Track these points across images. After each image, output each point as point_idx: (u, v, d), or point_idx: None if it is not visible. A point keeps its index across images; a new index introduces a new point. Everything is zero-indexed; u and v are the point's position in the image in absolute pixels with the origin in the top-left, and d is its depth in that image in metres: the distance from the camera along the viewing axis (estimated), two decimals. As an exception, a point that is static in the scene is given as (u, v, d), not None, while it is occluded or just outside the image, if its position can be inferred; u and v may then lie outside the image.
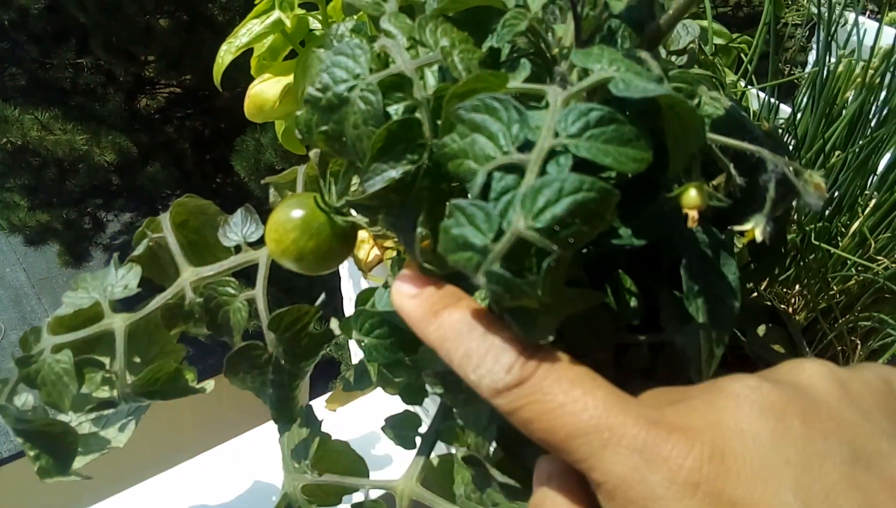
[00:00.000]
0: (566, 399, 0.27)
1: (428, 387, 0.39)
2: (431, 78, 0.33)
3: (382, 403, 0.47)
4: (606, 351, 0.36)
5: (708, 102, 0.34)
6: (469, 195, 0.27)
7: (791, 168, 0.29)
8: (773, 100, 0.57)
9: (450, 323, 0.30)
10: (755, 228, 0.28)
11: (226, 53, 0.51)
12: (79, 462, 0.46)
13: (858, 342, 0.58)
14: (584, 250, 0.35)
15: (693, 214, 0.29)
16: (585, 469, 0.26)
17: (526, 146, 0.28)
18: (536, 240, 0.26)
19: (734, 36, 0.61)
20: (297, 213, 0.35)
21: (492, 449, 0.39)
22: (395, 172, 0.32)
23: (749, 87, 0.60)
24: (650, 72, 0.31)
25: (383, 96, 0.31)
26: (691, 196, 0.29)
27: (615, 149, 0.28)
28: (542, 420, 0.27)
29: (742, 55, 0.59)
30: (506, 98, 0.28)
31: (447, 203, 0.27)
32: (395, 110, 0.32)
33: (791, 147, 0.55)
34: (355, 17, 0.43)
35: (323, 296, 0.40)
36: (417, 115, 0.32)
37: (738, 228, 0.29)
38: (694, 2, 0.32)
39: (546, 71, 0.34)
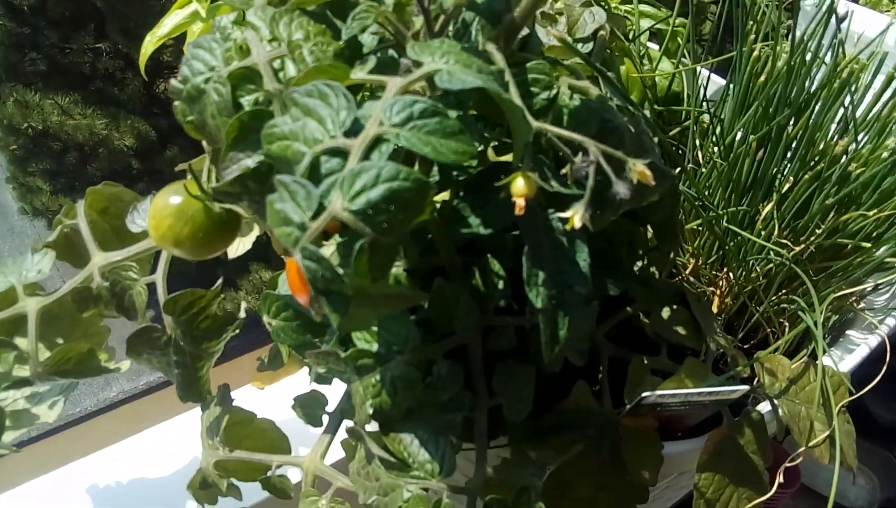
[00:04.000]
0: None
1: (314, 366, 0.41)
2: (292, 69, 0.34)
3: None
4: (473, 332, 0.38)
5: (565, 92, 0.35)
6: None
7: (615, 157, 0.30)
8: (699, 83, 0.57)
9: None
10: (574, 215, 0.29)
11: (148, 44, 0.52)
12: (8, 436, 0.48)
13: (787, 324, 0.59)
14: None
15: (520, 201, 0.30)
16: None
17: (353, 132, 0.29)
18: (350, 221, 0.27)
19: (665, 16, 0.61)
20: (174, 200, 0.37)
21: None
22: (250, 161, 0.33)
23: (684, 66, 0.61)
24: (490, 64, 0.32)
25: (236, 88, 0.33)
26: (518, 185, 0.30)
27: (437, 140, 0.29)
28: None
29: (673, 37, 0.59)
30: (337, 85, 0.30)
31: (273, 179, 0.28)
32: (248, 102, 0.33)
33: (717, 131, 0.55)
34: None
35: (220, 281, 0.41)
36: (272, 106, 0.33)
37: (561, 215, 0.30)
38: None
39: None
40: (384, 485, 0.39)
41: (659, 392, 0.40)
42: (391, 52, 0.36)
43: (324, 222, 0.27)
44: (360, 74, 0.32)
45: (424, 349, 0.37)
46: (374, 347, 0.37)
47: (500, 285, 0.38)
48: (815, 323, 0.47)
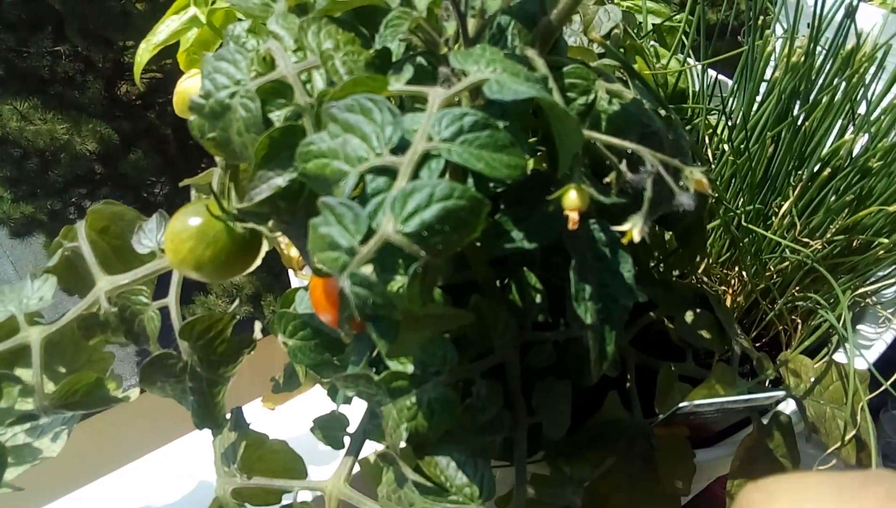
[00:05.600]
0: None
1: (342, 389, 0.39)
2: (321, 81, 0.33)
3: (328, 399, 0.47)
4: (511, 350, 0.36)
5: (603, 97, 0.34)
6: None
7: (672, 165, 0.28)
8: (707, 80, 0.56)
9: None
10: (633, 228, 0.28)
11: (143, 52, 0.50)
12: (11, 474, 0.46)
13: (799, 321, 0.58)
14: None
15: (574, 215, 0.29)
16: None
17: (400, 148, 0.27)
18: (404, 244, 0.26)
19: (671, 14, 0.60)
20: (194, 221, 0.35)
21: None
22: (281, 180, 0.31)
23: (691, 64, 0.60)
24: (534, 71, 0.31)
25: (266, 102, 0.31)
26: (570, 198, 0.29)
27: (488, 154, 0.27)
28: None
29: (684, 34, 0.58)
30: (381, 99, 0.28)
31: (318, 201, 0.26)
32: (278, 117, 0.31)
33: (728, 128, 0.55)
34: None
35: (237, 302, 0.39)
36: (303, 121, 0.31)
37: (617, 228, 0.29)
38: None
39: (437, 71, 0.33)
40: (419, 510, 0.38)
41: (697, 402, 0.39)
42: (419, 59, 0.34)
43: (375, 246, 0.26)
44: (397, 85, 0.30)
45: (462, 369, 0.36)
46: (410, 368, 0.36)
47: (538, 299, 0.36)
48: (840, 320, 0.47)
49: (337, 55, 0.31)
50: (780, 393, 0.42)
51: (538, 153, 0.35)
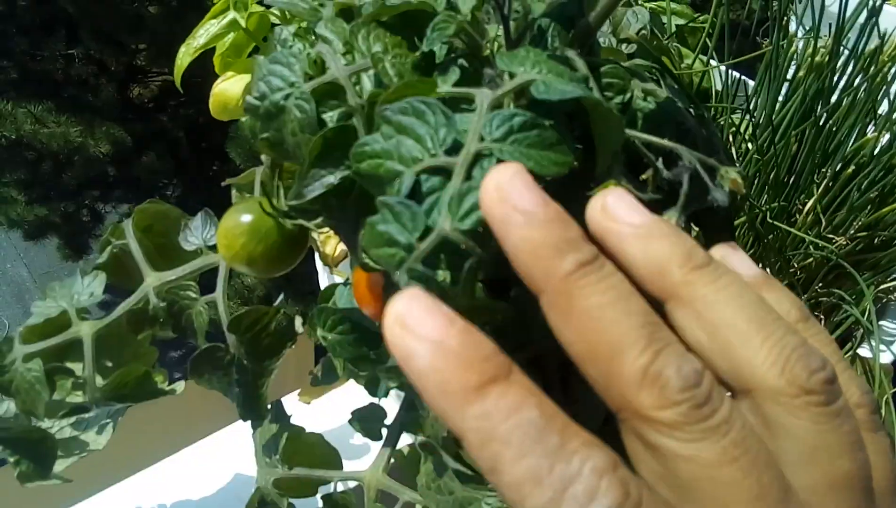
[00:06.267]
0: None
1: (385, 381, 0.40)
2: (368, 83, 0.34)
3: (360, 392, 0.49)
4: (550, 342, 0.37)
5: (639, 95, 0.35)
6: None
7: (707, 163, 0.30)
8: (731, 80, 0.57)
9: (504, 413, 0.21)
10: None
11: (184, 55, 0.51)
12: (59, 466, 0.47)
13: (822, 316, 0.59)
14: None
15: (615, 211, 0.30)
16: None
17: (452, 149, 0.29)
18: (461, 241, 0.27)
19: (696, 15, 0.61)
20: (246, 218, 0.36)
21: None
22: (333, 178, 0.32)
23: (714, 65, 0.61)
24: (575, 71, 0.32)
25: (319, 104, 0.32)
26: (613, 194, 0.30)
27: (538, 153, 0.28)
28: None
29: (707, 36, 0.59)
30: (433, 102, 0.29)
31: (376, 200, 0.28)
32: (331, 117, 0.32)
33: (750, 127, 0.56)
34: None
35: (281, 296, 0.41)
36: (353, 121, 0.33)
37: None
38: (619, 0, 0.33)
39: (481, 72, 0.35)
40: (460, 498, 0.39)
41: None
42: (461, 61, 0.36)
43: (432, 243, 0.27)
44: (445, 87, 0.31)
45: (503, 359, 0.37)
46: (452, 359, 0.37)
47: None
48: (865, 315, 0.48)
49: (386, 58, 0.32)
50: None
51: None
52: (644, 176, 0.33)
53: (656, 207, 0.33)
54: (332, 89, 0.32)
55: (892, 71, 0.54)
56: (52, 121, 3.45)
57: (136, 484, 0.59)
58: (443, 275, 0.28)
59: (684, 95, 0.39)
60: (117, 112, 3.65)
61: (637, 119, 0.35)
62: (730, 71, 0.58)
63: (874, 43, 0.54)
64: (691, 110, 0.42)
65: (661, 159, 0.33)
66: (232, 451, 0.61)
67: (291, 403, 0.65)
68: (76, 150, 3.52)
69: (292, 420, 0.51)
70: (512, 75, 0.30)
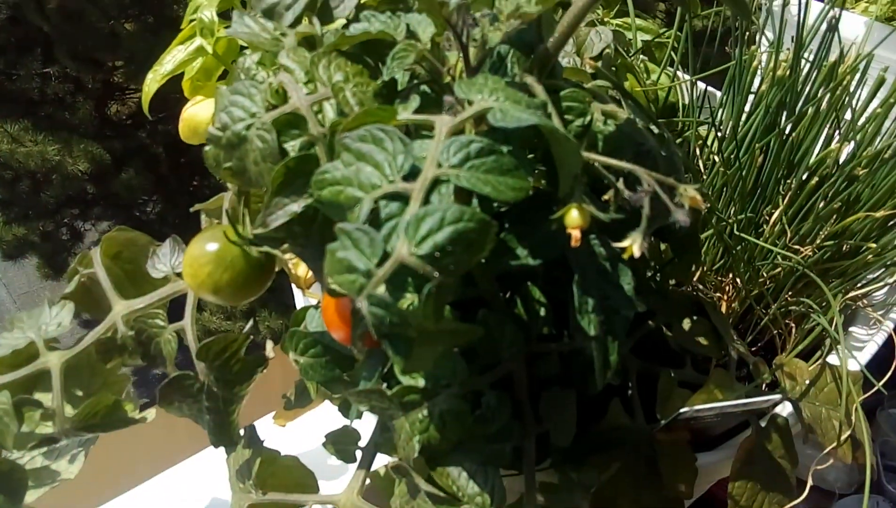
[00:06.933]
0: None
1: (356, 404, 0.40)
2: (331, 111, 0.34)
3: (337, 413, 0.49)
4: (519, 361, 0.38)
5: (599, 118, 0.35)
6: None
7: (667, 184, 0.30)
8: (697, 93, 0.58)
9: None
10: (632, 244, 0.29)
11: (151, 82, 0.51)
12: (31, 496, 0.47)
13: (793, 325, 0.60)
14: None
15: (576, 233, 0.30)
16: None
17: (411, 175, 0.29)
18: (419, 266, 0.27)
19: (661, 31, 0.62)
20: (211, 246, 0.36)
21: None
22: (296, 206, 0.33)
23: (680, 79, 0.62)
24: (533, 98, 0.32)
25: (280, 133, 0.33)
26: (572, 216, 0.30)
27: (494, 179, 0.29)
28: None
29: (672, 50, 0.60)
30: (391, 129, 0.30)
31: (335, 226, 0.28)
32: (293, 147, 0.33)
33: (718, 140, 0.56)
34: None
35: (251, 323, 0.41)
36: (315, 150, 0.33)
37: (617, 244, 0.30)
38: (576, 25, 0.33)
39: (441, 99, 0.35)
40: (433, 519, 0.39)
41: (697, 407, 0.41)
42: (423, 88, 0.36)
43: (391, 269, 0.27)
44: (405, 114, 0.32)
45: (472, 381, 0.37)
46: (421, 382, 0.37)
47: (542, 311, 0.38)
48: (832, 324, 0.49)
49: (347, 87, 0.33)
50: (777, 396, 0.43)
51: (536, 172, 0.37)
52: (606, 197, 0.34)
53: (620, 226, 0.34)
54: (294, 119, 0.32)
55: (854, 81, 0.55)
56: (29, 140, 3.42)
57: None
58: (410, 298, 0.28)
59: (645, 114, 0.40)
60: (95, 130, 3.62)
61: (598, 141, 0.36)
62: (696, 84, 0.59)
63: (836, 54, 0.55)
64: (652, 128, 0.42)
65: (622, 180, 0.33)
66: (208, 475, 0.61)
67: (266, 426, 0.64)
68: (54, 168, 3.48)
69: (268, 444, 0.51)
70: (471, 102, 0.31)
